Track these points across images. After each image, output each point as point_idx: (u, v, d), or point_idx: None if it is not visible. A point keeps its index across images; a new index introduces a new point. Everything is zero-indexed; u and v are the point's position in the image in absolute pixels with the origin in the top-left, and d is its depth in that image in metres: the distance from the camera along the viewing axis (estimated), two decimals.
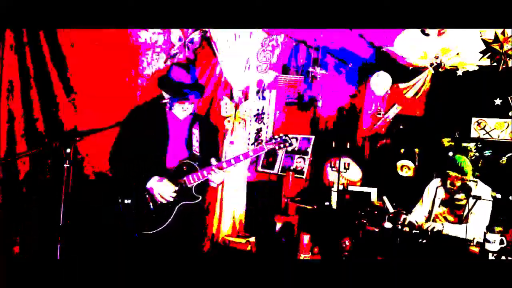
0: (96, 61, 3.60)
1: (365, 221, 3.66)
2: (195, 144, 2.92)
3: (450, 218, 3.70)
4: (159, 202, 2.77)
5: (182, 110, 2.89)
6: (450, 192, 3.65)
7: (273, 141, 2.95)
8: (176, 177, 2.82)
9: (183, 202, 2.81)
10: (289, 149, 3.03)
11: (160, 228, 2.76)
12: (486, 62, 4.65)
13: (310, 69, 5.32)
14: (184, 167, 2.86)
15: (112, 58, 3.71)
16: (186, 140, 2.93)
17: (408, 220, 3.59)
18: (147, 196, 2.78)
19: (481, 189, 3.61)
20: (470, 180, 3.59)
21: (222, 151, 4.61)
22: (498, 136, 4.83)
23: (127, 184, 2.80)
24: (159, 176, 2.78)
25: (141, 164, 2.79)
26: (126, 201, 2.77)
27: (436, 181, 3.87)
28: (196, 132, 2.95)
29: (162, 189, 2.75)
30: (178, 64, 2.96)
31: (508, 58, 4.46)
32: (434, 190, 3.82)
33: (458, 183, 3.59)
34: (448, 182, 3.64)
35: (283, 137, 2.96)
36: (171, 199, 2.77)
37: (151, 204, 2.78)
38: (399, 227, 3.48)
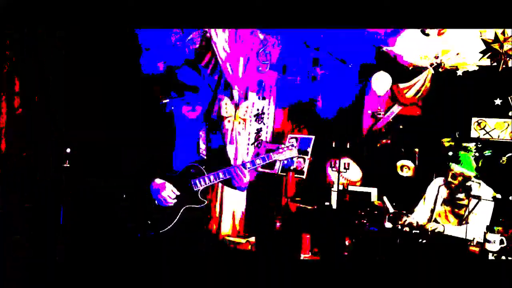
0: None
1: (365, 221, 3.66)
2: (202, 146, 2.91)
3: (451, 217, 3.70)
4: (164, 202, 2.75)
5: (189, 112, 2.88)
6: (451, 188, 3.65)
7: (281, 151, 2.92)
8: (182, 179, 2.80)
9: (188, 206, 2.80)
10: (295, 159, 3.00)
11: (164, 230, 2.74)
12: (486, 62, 4.66)
13: (310, 69, 5.31)
14: (192, 170, 2.85)
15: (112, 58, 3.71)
16: (194, 142, 2.91)
17: (408, 221, 3.59)
18: (151, 196, 2.77)
19: (484, 190, 3.61)
20: (473, 180, 3.60)
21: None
22: (498, 136, 4.82)
23: (131, 185, 2.79)
24: (164, 178, 2.77)
25: (147, 166, 2.78)
26: (129, 202, 2.77)
27: (439, 180, 3.87)
28: (202, 134, 2.94)
29: (166, 189, 2.74)
30: (187, 64, 2.94)
31: (508, 58, 4.47)
32: (436, 188, 3.83)
33: (460, 178, 3.60)
34: (450, 174, 3.64)
35: (290, 147, 2.94)
36: (174, 198, 2.74)
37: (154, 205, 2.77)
38: (399, 227, 3.48)
